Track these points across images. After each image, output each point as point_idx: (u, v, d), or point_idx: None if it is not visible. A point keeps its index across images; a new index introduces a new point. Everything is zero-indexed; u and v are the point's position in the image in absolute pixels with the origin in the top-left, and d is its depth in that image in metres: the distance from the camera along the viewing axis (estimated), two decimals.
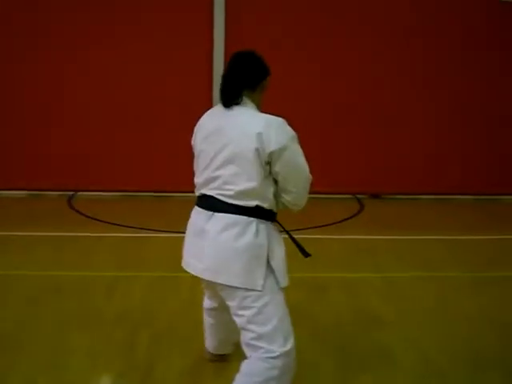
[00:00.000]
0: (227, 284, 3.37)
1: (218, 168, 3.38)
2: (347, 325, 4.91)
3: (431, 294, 5.64)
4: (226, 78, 3.46)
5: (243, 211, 3.38)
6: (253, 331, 3.40)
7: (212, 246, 3.39)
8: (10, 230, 7.38)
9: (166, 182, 9.17)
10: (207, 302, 3.99)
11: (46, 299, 5.25)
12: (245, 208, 3.37)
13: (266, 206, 3.46)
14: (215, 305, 3.90)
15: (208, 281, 3.48)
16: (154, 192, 9.27)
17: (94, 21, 8.99)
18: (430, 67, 9.41)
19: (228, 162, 3.34)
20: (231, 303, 3.45)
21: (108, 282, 5.71)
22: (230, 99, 3.42)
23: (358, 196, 9.67)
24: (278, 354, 3.37)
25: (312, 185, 3.62)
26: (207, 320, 4.07)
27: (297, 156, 3.42)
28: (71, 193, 9.35)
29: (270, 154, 3.30)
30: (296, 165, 3.42)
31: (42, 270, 6.02)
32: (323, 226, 7.93)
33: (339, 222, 8.20)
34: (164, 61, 9.04)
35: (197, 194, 3.56)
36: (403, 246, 7.19)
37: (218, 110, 3.52)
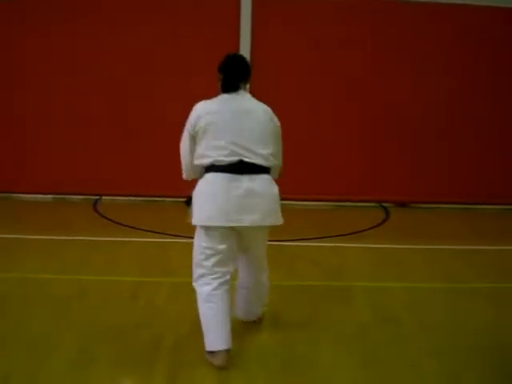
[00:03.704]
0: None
1: (252, 139, 4.11)
2: (371, 334, 4.86)
3: (455, 305, 5.57)
4: (231, 71, 4.24)
5: (266, 170, 4.19)
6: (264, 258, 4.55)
7: (263, 199, 4.15)
8: (35, 233, 7.43)
9: (191, 187, 9.16)
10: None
11: (71, 304, 5.26)
12: (266, 168, 4.18)
13: (272, 165, 4.28)
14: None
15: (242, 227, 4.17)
16: (179, 197, 9.26)
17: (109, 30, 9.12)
18: (459, 79, 9.37)
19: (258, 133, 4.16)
20: (257, 238, 4.37)
21: (132, 287, 5.71)
22: (236, 88, 4.23)
23: (384, 204, 9.62)
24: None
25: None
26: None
27: None
28: (96, 197, 9.40)
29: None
30: None
31: (67, 274, 6.04)
32: (348, 234, 7.89)
33: (364, 230, 8.14)
34: (184, 67, 9.08)
35: (222, 162, 4.08)
36: (428, 255, 7.12)
37: (224, 96, 4.22)
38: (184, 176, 4.47)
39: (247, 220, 4.11)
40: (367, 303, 5.52)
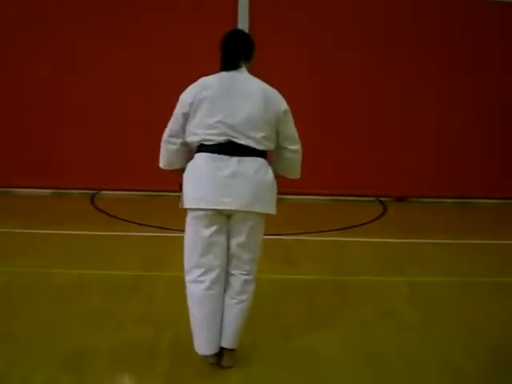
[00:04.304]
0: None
1: (244, 121, 3.87)
2: (371, 328, 4.86)
3: (455, 298, 5.58)
4: (230, 48, 4.00)
5: (259, 154, 3.93)
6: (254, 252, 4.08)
7: (251, 182, 3.89)
8: (34, 227, 7.41)
9: None
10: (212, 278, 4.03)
11: (69, 298, 5.26)
12: (259, 151, 3.92)
13: (266, 149, 4.00)
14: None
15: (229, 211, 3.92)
16: (177, 192, 9.24)
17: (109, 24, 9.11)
18: (453, 71, 9.39)
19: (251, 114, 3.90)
20: (245, 229, 3.96)
21: (131, 281, 5.71)
22: (235, 65, 3.97)
23: (382, 199, 9.62)
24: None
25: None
26: (210, 307, 4.06)
27: None
28: (94, 191, 9.40)
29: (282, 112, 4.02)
30: None
31: (65, 268, 6.03)
32: (346, 228, 7.89)
33: (362, 224, 8.14)
34: (182, 64, 9.05)
35: (210, 142, 3.89)
36: (427, 249, 7.13)
37: (222, 74, 3.98)
38: (162, 163, 4.32)
39: (232, 203, 3.87)
40: (367, 297, 5.52)
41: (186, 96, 3.99)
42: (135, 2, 9.16)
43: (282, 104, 4.03)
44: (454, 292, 5.75)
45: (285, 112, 4.03)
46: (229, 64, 3.98)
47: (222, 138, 3.87)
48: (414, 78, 9.33)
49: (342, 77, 9.30)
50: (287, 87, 9.41)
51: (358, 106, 9.36)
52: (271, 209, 4.03)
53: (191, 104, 3.94)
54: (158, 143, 9.35)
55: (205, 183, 3.90)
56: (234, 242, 4.01)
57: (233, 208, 3.89)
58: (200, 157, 3.94)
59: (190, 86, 4.01)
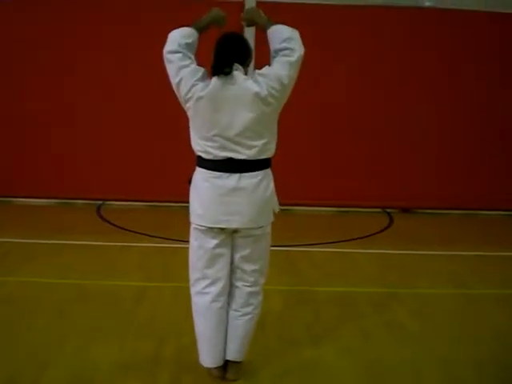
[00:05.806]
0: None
1: (244, 131, 3.76)
2: (375, 340, 4.84)
3: (460, 311, 5.56)
4: (222, 53, 3.81)
5: (260, 166, 3.86)
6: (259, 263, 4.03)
7: (251, 199, 3.84)
8: (39, 237, 7.42)
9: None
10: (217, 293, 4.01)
11: (73, 308, 5.25)
12: (260, 162, 3.85)
13: (269, 155, 3.93)
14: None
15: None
16: (182, 202, 9.23)
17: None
18: (456, 82, 9.37)
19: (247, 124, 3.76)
20: (248, 241, 3.93)
21: (135, 292, 5.70)
22: (227, 71, 3.74)
23: (388, 210, 9.59)
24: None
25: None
26: (216, 320, 4.03)
27: None
28: (100, 202, 9.39)
29: None
30: None
31: (70, 278, 6.03)
32: (352, 239, 7.86)
33: (368, 235, 8.12)
34: None
35: (210, 155, 3.81)
36: (432, 261, 7.10)
37: (218, 81, 3.75)
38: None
39: (233, 222, 3.84)
40: (371, 309, 5.50)
41: (189, 85, 3.80)
42: (135, 2, 9.14)
43: (273, 93, 3.81)
44: (458, 304, 5.72)
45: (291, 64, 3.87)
46: (219, 70, 3.75)
47: (221, 154, 3.78)
48: (418, 88, 9.31)
49: (348, 85, 9.27)
50: (292, 96, 9.43)
51: (361, 117, 9.32)
52: (271, 217, 4.00)
53: (191, 97, 3.78)
54: (164, 153, 9.36)
55: (206, 201, 3.87)
56: (238, 254, 3.98)
57: (234, 226, 3.87)
58: (201, 173, 3.90)
59: (199, 77, 3.80)
